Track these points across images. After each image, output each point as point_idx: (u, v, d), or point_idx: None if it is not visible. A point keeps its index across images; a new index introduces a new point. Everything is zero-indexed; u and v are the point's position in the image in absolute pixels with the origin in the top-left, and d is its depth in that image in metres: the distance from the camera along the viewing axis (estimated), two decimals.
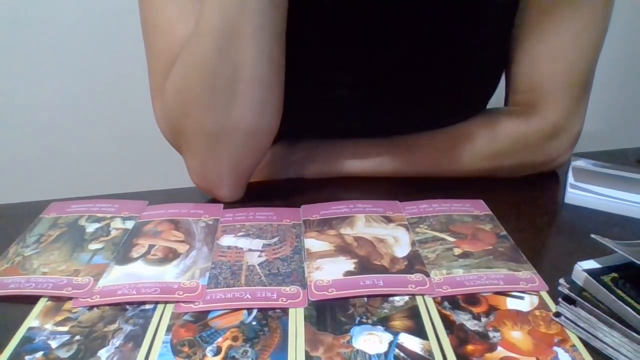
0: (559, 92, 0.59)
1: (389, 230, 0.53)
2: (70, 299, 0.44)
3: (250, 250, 0.50)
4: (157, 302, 0.44)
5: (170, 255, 0.49)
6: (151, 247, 0.51)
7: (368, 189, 0.61)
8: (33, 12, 0.96)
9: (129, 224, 0.54)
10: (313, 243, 0.51)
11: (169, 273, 0.47)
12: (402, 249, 0.50)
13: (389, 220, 0.55)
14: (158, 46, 0.56)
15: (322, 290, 0.44)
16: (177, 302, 0.43)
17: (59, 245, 0.51)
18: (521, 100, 0.62)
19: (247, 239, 0.52)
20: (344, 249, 0.50)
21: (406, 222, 0.54)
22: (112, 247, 0.51)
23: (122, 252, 0.50)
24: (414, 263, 0.48)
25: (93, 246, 0.51)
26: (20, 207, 0.59)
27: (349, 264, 0.48)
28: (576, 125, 0.62)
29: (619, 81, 1.17)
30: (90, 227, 0.54)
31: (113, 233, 0.53)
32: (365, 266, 0.47)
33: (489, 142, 0.61)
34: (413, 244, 0.51)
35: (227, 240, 0.52)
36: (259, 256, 0.49)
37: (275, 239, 0.52)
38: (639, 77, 1.18)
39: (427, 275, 0.46)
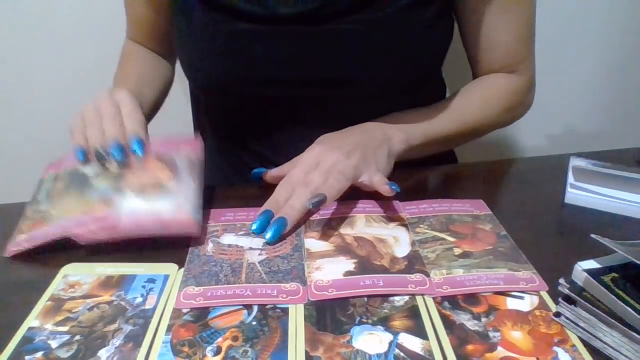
0: (527, 56, 0.69)
1: (389, 230, 0.53)
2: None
3: (250, 248, 0.50)
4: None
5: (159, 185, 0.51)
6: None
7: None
8: (34, 11, 0.96)
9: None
10: (313, 243, 0.51)
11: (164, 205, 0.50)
12: (402, 249, 0.50)
13: (389, 220, 0.55)
14: None
15: (322, 290, 0.44)
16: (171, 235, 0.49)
17: (69, 192, 0.52)
18: (498, 68, 0.69)
19: (247, 238, 0.52)
20: (344, 249, 0.50)
21: (406, 222, 0.54)
22: (112, 180, 0.52)
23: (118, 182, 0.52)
24: (414, 263, 0.48)
25: (98, 184, 0.52)
26: (20, 207, 0.59)
27: (349, 264, 0.48)
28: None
29: (619, 81, 1.17)
30: (90, 171, 0.54)
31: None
32: (365, 266, 0.48)
33: (506, 95, 0.69)
34: (413, 243, 0.51)
35: (228, 238, 0.52)
36: (260, 254, 0.49)
37: None
38: (639, 77, 1.18)
39: (427, 275, 0.46)
